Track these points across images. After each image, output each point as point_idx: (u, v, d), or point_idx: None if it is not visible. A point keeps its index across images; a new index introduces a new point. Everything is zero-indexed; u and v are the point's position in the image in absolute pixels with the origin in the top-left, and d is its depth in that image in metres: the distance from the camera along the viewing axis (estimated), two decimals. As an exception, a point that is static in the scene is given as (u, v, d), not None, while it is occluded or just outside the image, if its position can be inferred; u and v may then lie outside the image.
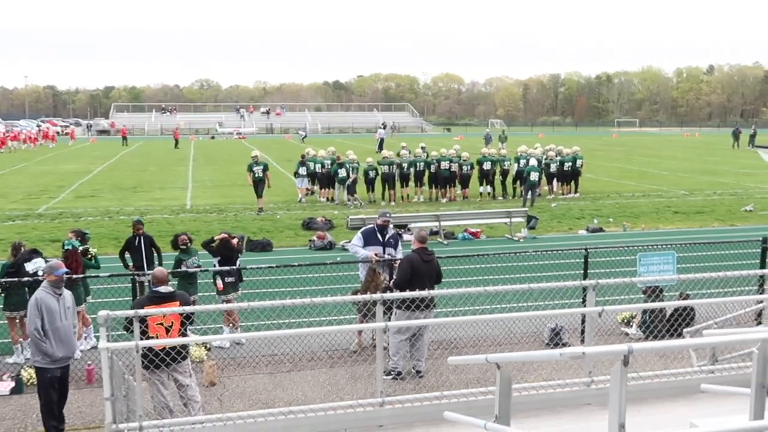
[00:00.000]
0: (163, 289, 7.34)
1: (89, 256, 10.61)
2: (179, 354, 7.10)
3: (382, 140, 49.25)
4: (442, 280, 9.26)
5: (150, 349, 6.70)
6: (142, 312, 6.24)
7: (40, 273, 9.25)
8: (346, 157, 24.25)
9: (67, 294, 7.66)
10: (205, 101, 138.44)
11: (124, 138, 60.67)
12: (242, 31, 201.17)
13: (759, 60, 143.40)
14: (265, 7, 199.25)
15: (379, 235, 10.12)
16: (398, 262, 9.65)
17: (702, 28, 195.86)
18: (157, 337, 6.92)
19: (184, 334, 7.24)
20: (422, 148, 26.12)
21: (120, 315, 5.86)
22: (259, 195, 21.69)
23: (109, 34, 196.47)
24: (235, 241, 11.08)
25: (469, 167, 24.45)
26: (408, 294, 7.26)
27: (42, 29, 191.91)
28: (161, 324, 7.03)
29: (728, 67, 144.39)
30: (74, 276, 9.26)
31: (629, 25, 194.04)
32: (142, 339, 6.69)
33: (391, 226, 10.51)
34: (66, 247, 10.13)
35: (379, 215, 10.43)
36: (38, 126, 73.97)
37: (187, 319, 7.29)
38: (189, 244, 10.94)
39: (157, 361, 6.76)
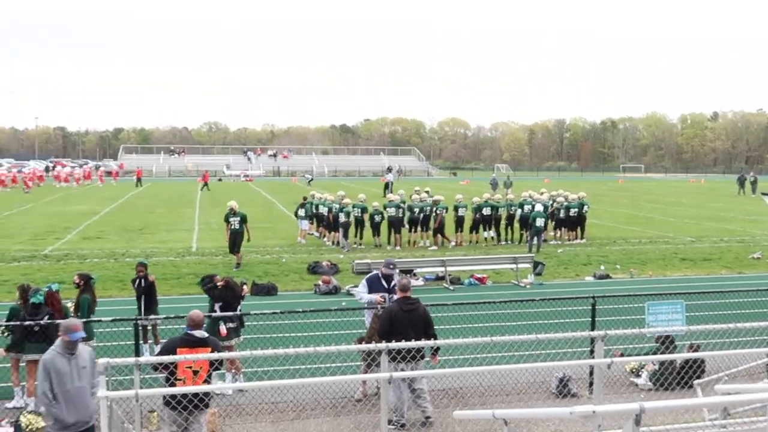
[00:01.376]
0: (198, 333, 7.23)
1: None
2: (201, 401, 6.93)
3: (390, 183, 49.50)
4: (442, 327, 9.09)
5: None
6: (143, 360, 6.16)
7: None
8: (358, 200, 24.31)
9: (85, 351, 7.09)
10: (214, 143, 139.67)
11: (139, 179, 60.83)
12: (250, 74, 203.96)
13: (762, 107, 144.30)
14: (274, 51, 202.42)
15: (384, 282, 10.04)
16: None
17: (705, 75, 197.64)
18: (184, 381, 6.90)
19: (208, 382, 7.10)
20: (427, 192, 26.15)
21: (120, 363, 5.77)
22: (235, 249, 19.89)
23: (119, 77, 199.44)
24: (243, 287, 11.04)
25: (477, 212, 24.41)
26: (414, 344, 7.16)
27: (53, 71, 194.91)
28: (190, 368, 6.94)
29: (732, 114, 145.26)
30: (54, 320, 9.20)
31: (633, 71, 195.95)
32: (172, 379, 6.88)
33: (397, 272, 10.40)
34: (43, 290, 10.02)
35: (384, 264, 10.32)
36: (80, 166, 75.63)
37: (218, 366, 7.19)
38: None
39: (173, 403, 6.64)
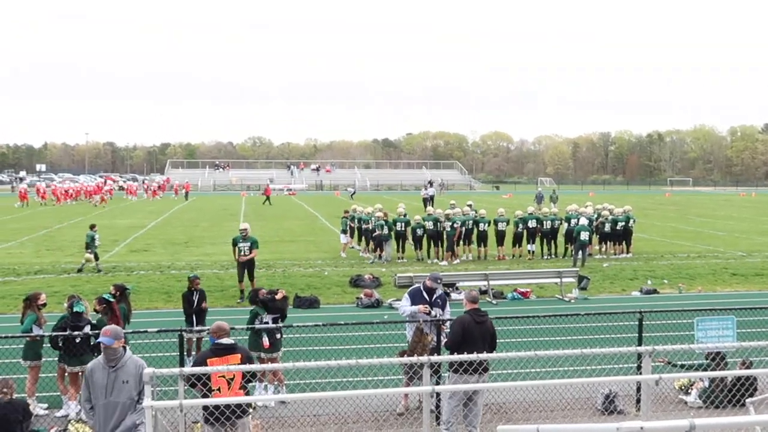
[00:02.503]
0: (225, 341, 7.29)
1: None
2: (237, 410, 6.76)
3: (431, 198, 49.44)
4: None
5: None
6: (187, 370, 6.19)
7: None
8: (398, 213, 24.36)
9: (132, 365, 6.69)
10: (257, 158, 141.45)
11: (187, 193, 61.80)
12: (294, 90, 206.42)
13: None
14: (318, 67, 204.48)
15: (425, 295, 9.97)
16: (447, 323, 9.45)
17: (756, 86, 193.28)
18: (219, 390, 6.90)
19: (244, 388, 7.10)
20: (469, 205, 26.02)
21: (165, 373, 5.83)
22: (242, 277, 17.53)
23: (168, 93, 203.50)
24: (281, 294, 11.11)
25: (521, 226, 24.23)
26: (455, 357, 7.07)
27: (103, 88, 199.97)
28: (223, 376, 6.95)
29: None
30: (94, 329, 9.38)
31: (681, 83, 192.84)
32: (205, 391, 6.89)
33: (440, 286, 10.33)
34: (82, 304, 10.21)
35: (429, 277, 10.26)
36: (144, 180, 78.25)
37: (251, 376, 7.14)
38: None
39: (216, 414, 6.55)
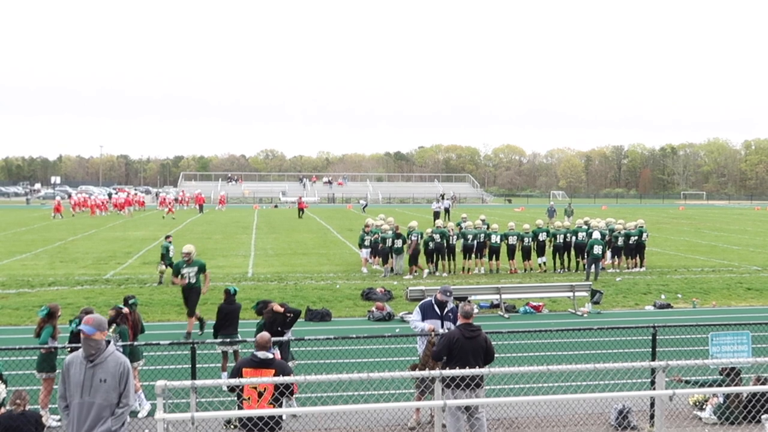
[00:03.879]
0: (261, 354, 7.33)
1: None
2: (267, 425, 6.51)
3: (445, 210, 49.40)
4: (497, 356, 8.90)
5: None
6: (198, 383, 6.21)
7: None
8: (408, 228, 24.33)
9: (112, 363, 6.09)
10: (270, 171, 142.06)
11: (201, 206, 62.04)
12: (306, 103, 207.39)
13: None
14: (330, 80, 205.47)
15: (437, 309, 9.95)
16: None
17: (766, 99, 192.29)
18: (249, 400, 6.95)
19: (277, 400, 7.05)
20: (482, 220, 25.96)
21: (177, 386, 5.84)
22: (190, 311, 14.81)
23: (182, 108, 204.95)
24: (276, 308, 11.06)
25: (530, 239, 24.23)
26: (468, 371, 7.04)
27: (118, 100, 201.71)
28: (255, 388, 6.98)
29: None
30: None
31: (693, 96, 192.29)
32: (239, 402, 6.92)
33: (451, 299, 10.30)
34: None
35: (440, 290, 10.23)
36: (157, 193, 78.93)
37: (284, 390, 7.03)
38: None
39: (250, 425, 6.42)
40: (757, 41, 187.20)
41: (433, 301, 10.03)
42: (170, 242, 21.87)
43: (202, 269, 15.02)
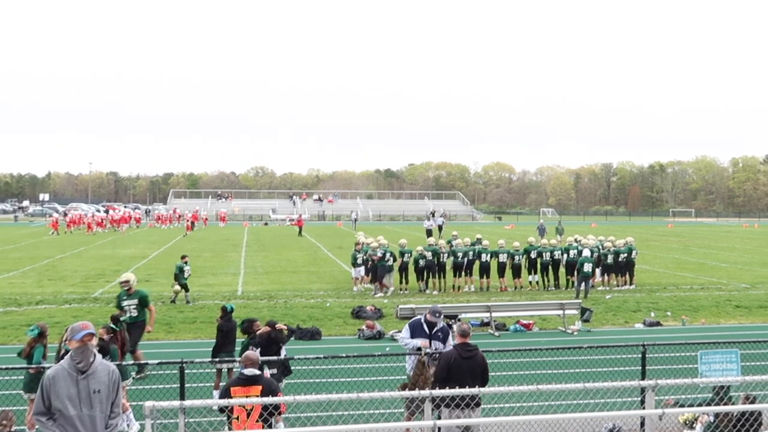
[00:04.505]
0: (248, 371, 7.30)
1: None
2: None
3: (438, 227, 49.52)
4: (490, 375, 8.89)
5: None
6: (187, 403, 6.17)
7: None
8: (399, 245, 24.32)
9: (103, 371, 5.85)
10: (260, 188, 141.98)
11: (193, 223, 61.95)
12: (296, 120, 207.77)
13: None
14: (320, 98, 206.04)
15: (426, 328, 9.90)
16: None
17: (757, 118, 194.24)
18: (238, 419, 6.89)
19: (266, 420, 7.00)
20: (478, 239, 25.96)
21: (165, 406, 5.80)
22: (131, 349, 12.33)
23: (172, 125, 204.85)
24: (280, 326, 11.05)
25: (520, 257, 24.31)
26: (458, 391, 7.02)
27: (108, 117, 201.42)
28: (243, 406, 6.92)
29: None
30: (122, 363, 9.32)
31: (681, 114, 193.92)
32: (230, 418, 6.86)
33: (440, 319, 10.25)
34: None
35: (429, 310, 10.20)
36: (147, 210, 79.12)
37: (273, 409, 6.97)
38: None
39: None
40: (743, 60, 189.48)
41: (423, 320, 10.01)
42: (186, 262, 21.52)
43: (144, 302, 13.27)
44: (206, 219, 63.71)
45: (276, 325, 11.13)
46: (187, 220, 59.60)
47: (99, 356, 5.98)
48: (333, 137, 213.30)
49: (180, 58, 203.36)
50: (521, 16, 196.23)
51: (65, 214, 64.37)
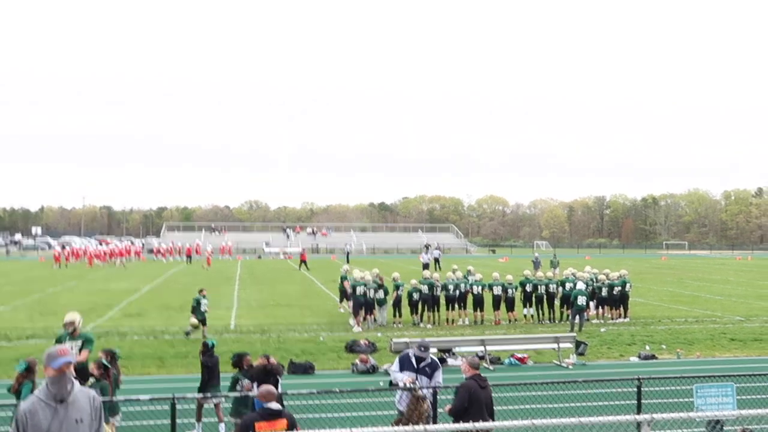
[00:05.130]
0: (273, 405, 7.22)
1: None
2: None
3: (435, 260, 49.51)
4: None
5: None
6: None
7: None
8: (393, 279, 24.29)
9: (84, 398, 5.38)
10: (254, 221, 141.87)
11: (189, 257, 62.19)
12: (290, 153, 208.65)
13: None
14: (314, 131, 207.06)
15: (413, 361, 9.80)
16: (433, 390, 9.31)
17: (747, 150, 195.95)
18: None
19: None
20: (469, 270, 25.98)
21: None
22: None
23: (165, 158, 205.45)
24: (273, 361, 10.97)
25: (514, 290, 24.30)
26: (452, 426, 6.95)
27: (100, 152, 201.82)
28: None
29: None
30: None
31: (673, 146, 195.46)
32: None
33: (430, 354, 10.13)
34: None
35: (416, 345, 10.06)
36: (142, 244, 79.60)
37: None
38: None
39: None
40: (734, 92, 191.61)
41: (411, 354, 9.92)
42: (203, 295, 21.14)
43: (88, 344, 11.62)
44: (211, 252, 63.63)
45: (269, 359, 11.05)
46: (208, 253, 59.52)
47: (76, 382, 5.49)
48: (327, 171, 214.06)
49: (173, 92, 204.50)
50: (510, 49, 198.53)
51: (63, 247, 64.82)
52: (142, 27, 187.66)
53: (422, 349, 9.83)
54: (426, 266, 45.07)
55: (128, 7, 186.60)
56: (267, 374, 10.82)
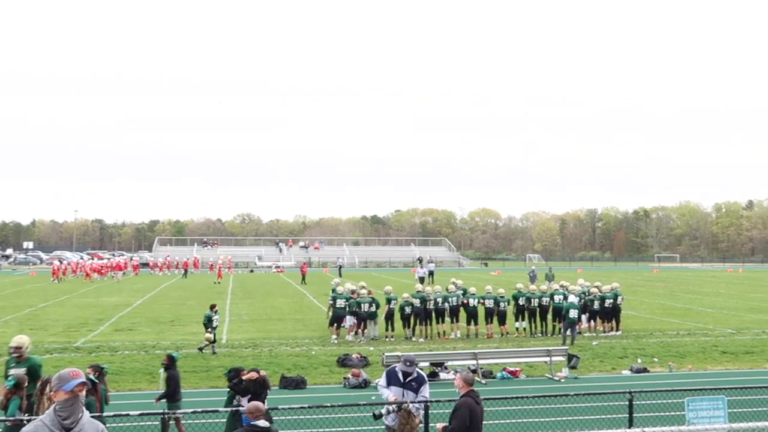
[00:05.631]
0: (262, 423, 7.16)
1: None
2: None
3: (429, 273, 49.58)
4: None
5: None
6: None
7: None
8: (385, 293, 24.30)
9: (90, 428, 5.12)
10: (246, 235, 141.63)
11: (185, 270, 62.24)
12: (284, 167, 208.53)
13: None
14: (307, 144, 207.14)
15: (400, 376, 9.76)
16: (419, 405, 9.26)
17: (739, 163, 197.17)
18: None
19: None
20: (453, 283, 26.02)
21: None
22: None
23: (158, 171, 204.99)
24: (254, 375, 10.86)
25: (505, 303, 24.31)
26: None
27: (92, 166, 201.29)
28: None
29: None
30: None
31: (665, 159, 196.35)
32: None
33: (417, 368, 10.10)
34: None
35: (403, 358, 10.03)
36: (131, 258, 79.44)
37: None
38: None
39: None
40: (725, 106, 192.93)
41: (398, 369, 9.88)
42: (215, 312, 20.90)
43: (35, 373, 10.54)
44: (221, 265, 63.30)
45: (260, 372, 10.98)
46: (220, 267, 59.42)
47: (87, 412, 5.24)
48: (320, 184, 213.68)
49: (165, 107, 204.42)
50: (502, 64, 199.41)
51: (60, 261, 65.51)
52: (130, 39, 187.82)
53: (408, 363, 9.79)
54: (422, 280, 45.07)
55: (116, 18, 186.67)
56: (262, 387, 10.75)
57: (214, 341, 20.69)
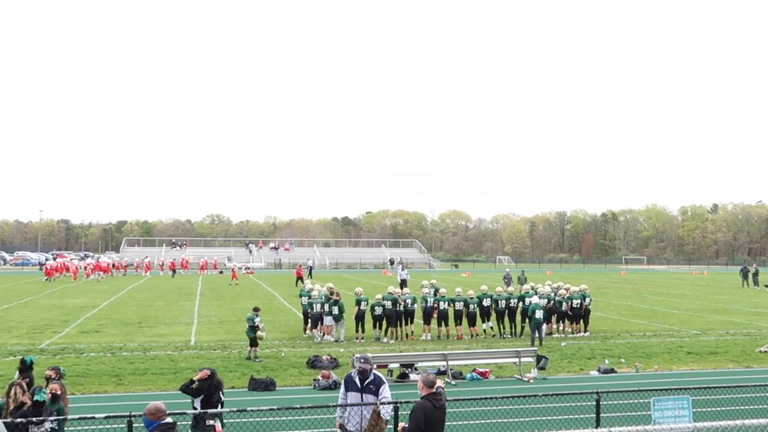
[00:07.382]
0: (169, 420, 7.06)
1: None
2: None
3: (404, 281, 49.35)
4: (447, 424, 8.78)
5: None
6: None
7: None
8: (355, 294, 24.29)
9: None
10: (216, 236, 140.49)
11: (173, 271, 62.04)
12: (253, 167, 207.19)
13: (762, 199, 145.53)
14: (276, 145, 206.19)
15: (357, 381, 9.59)
16: (388, 406, 9.21)
17: (704, 167, 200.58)
18: None
19: None
20: (431, 283, 26.11)
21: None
22: None
23: (125, 172, 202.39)
24: (206, 373, 10.59)
25: (475, 305, 24.41)
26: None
27: (58, 163, 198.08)
28: None
29: (732, 206, 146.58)
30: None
31: (632, 163, 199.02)
32: None
33: (374, 369, 10.00)
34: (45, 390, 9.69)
35: (357, 358, 9.84)
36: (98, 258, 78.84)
37: None
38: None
39: None
40: (690, 112, 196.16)
41: (353, 373, 9.74)
42: (257, 314, 20.39)
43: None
44: (235, 265, 62.62)
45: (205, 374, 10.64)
46: (234, 268, 58.66)
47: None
48: (290, 185, 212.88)
49: (134, 106, 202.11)
50: (469, 71, 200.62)
51: (46, 260, 65.99)
52: (94, 41, 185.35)
53: (362, 360, 9.64)
54: (404, 283, 43.79)
55: (78, 20, 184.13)
56: (210, 388, 10.47)
57: (256, 345, 20.13)
